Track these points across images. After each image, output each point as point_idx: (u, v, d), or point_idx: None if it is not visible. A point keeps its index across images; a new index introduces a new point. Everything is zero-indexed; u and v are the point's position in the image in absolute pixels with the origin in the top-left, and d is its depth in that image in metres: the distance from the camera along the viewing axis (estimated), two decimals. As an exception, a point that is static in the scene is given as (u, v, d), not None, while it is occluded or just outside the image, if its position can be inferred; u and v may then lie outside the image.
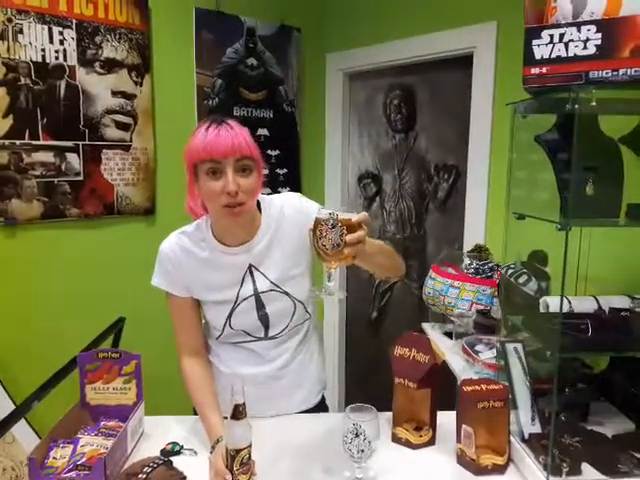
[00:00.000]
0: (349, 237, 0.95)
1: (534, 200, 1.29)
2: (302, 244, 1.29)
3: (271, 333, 1.33)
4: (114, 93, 2.19)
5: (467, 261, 2.10)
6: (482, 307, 1.87)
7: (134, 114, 2.25)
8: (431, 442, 1.27)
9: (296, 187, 2.84)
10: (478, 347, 1.74)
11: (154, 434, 1.32)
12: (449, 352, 1.87)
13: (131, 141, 2.26)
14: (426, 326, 2.17)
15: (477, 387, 1.21)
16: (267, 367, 1.35)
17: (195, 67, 2.42)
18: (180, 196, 1.32)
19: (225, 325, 1.30)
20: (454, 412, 1.22)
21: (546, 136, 1.21)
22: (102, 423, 1.28)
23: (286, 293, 1.30)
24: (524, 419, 1.21)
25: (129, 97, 2.23)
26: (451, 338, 2.02)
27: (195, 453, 1.24)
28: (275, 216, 1.30)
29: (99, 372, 1.31)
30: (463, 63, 2.32)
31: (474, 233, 2.30)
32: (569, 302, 1.27)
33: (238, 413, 1.06)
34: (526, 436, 1.19)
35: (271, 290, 1.29)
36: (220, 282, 1.28)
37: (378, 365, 2.90)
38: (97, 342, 1.70)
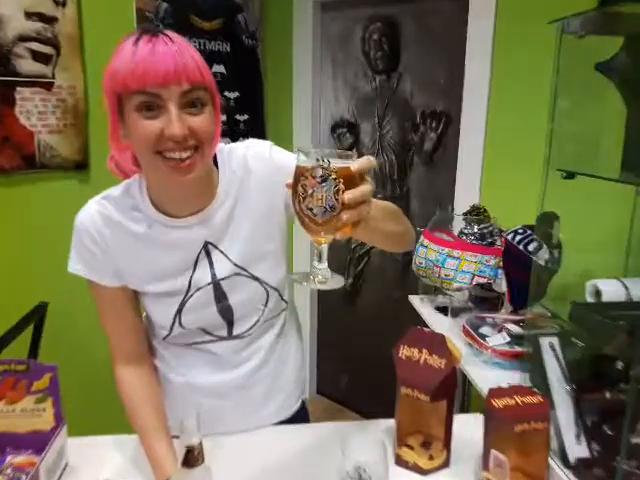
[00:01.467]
0: (348, 194, 0.62)
1: (585, 154, 0.98)
2: (276, 209, 0.96)
3: (237, 331, 1.00)
4: (28, 15, 1.73)
5: (462, 225, 1.80)
6: (485, 280, 1.59)
7: (56, 42, 1.80)
8: (445, 464, 1.00)
9: (258, 136, 2.43)
10: (484, 330, 1.47)
11: (82, 467, 0.99)
12: (445, 332, 1.59)
13: (54, 77, 1.81)
14: (414, 299, 1.89)
15: (511, 401, 0.92)
16: (233, 374, 1.03)
17: (133, -15, 1.96)
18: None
19: (174, 323, 0.97)
20: (465, 416, 0.93)
21: (615, 62, 0.88)
22: (8, 458, 0.95)
23: (255, 278, 0.97)
24: (568, 437, 0.94)
25: (48, 20, 1.77)
26: (445, 314, 1.74)
27: (137, 495, 0.92)
28: (238, 173, 0.95)
29: (0, 389, 0.96)
30: (459, -12, 1.96)
31: (468, 191, 2.00)
32: (625, 287, 0.99)
33: (192, 459, 0.75)
34: (572, 461, 0.93)
35: (235, 275, 0.95)
36: (164, 267, 0.94)
37: (353, 337, 2.64)
38: (11, 335, 1.34)
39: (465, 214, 1.80)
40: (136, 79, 0.76)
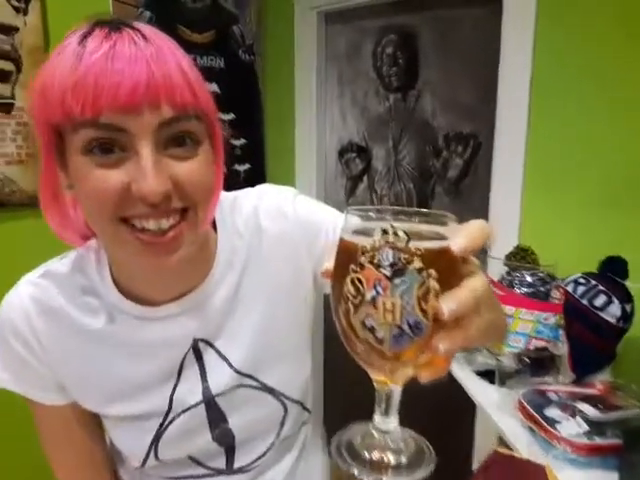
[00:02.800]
0: (451, 303, 0.33)
1: None
2: (300, 286, 0.67)
3: (239, 462, 0.70)
4: (-20, 23, 1.43)
5: (503, 270, 1.51)
6: (544, 343, 1.28)
7: (16, 57, 1.50)
8: None
9: (256, 164, 2.15)
10: (551, 411, 1.15)
11: None
12: (494, 408, 1.29)
13: (13, 97, 1.51)
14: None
15: None
16: None
17: (111, -9, 1.67)
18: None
19: (148, 455, 0.66)
20: None
21: None
22: None
23: (268, 389, 0.67)
24: None
25: (6, 31, 1.48)
26: (489, 380, 1.43)
27: None
28: (246, 236, 0.66)
29: None
30: (489, -7, 1.69)
31: (504, 228, 1.70)
32: None
33: None
34: None
35: (238, 386, 0.65)
36: (132, 380, 0.64)
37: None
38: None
39: (508, 257, 1.51)
40: (82, 101, 0.47)
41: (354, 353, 0.38)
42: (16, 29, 1.49)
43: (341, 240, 0.37)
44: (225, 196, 0.66)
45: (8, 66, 1.49)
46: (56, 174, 0.54)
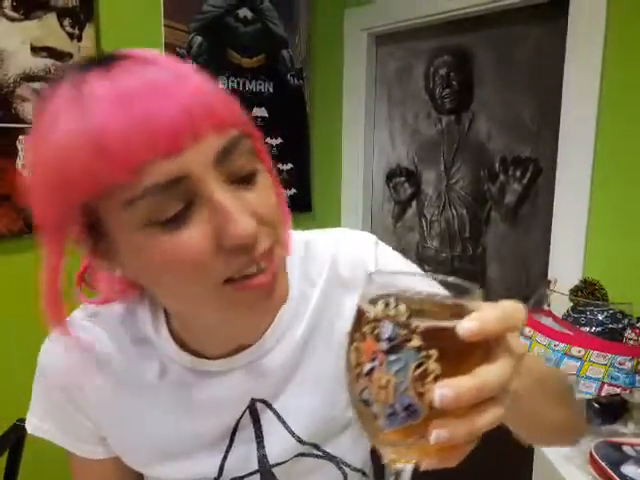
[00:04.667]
0: (446, 389, 0.29)
1: None
2: None
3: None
4: (36, 50, 1.45)
5: (567, 306, 1.39)
6: (619, 390, 1.16)
7: (69, 82, 1.52)
8: None
9: (302, 188, 2.11)
10: (628, 469, 1.03)
11: None
12: (558, 459, 1.16)
13: (65, 123, 1.53)
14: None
15: None
16: None
17: (163, 16, 1.68)
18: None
19: None
20: None
21: None
22: None
23: (331, 458, 0.59)
24: None
25: (60, 56, 1.50)
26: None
27: None
28: (319, 283, 0.58)
29: None
30: (551, 10, 1.61)
31: (567, 258, 1.58)
32: None
33: None
34: None
35: (300, 455, 0.58)
36: (179, 440, 0.57)
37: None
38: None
39: (573, 291, 1.39)
40: (117, 164, 0.38)
41: (360, 424, 0.35)
42: (70, 55, 1.51)
43: (357, 314, 0.34)
44: (294, 239, 0.57)
45: (61, 92, 1.50)
46: (93, 261, 0.47)
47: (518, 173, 1.78)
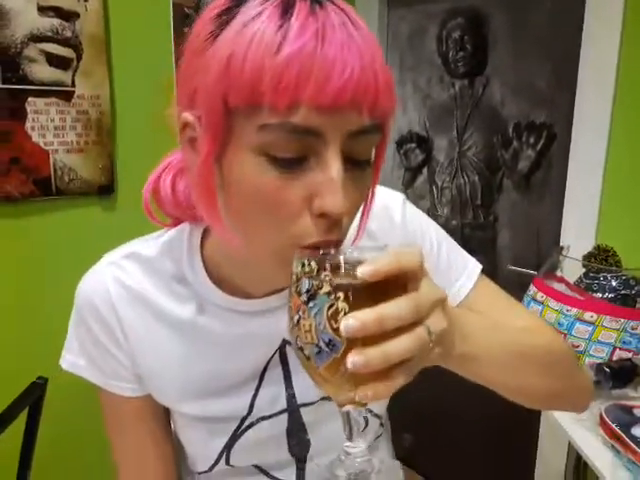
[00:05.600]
0: (349, 319, 0.35)
1: None
2: None
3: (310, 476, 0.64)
4: (43, 9, 1.43)
5: (580, 272, 1.38)
6: (630, 354, 1.16)
7: (76, 43, 1.49)
8: None
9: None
10: (638, 430, 1.04)
11: None
12: (567, 421, 1.18)
13: (74, 85, 1.51)
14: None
15: None
16: None
17: (170, -25, 1.64)
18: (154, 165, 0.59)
19: (218, 460, 0.61)
20: None
21: None
22: None
23: None
24: None
25: (67, 16, 1.47)
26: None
27: None
28: (353, 234, 0.59)
29: None
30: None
31: (580, 224, 1.57)
32: None
33: None
34: None
35: (325, 399, 0.60)
36: (213, 377, 0.58)
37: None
38: (9, 416, 1.02)
39: (587, 257, 1.38)
40: (281, 91, 0.39)
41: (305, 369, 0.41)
42: (77, 15, 1.48)
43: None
44: None
45: (69, 53, 1.48)
46: (212, 167, 0.44)
47: (532, 139, 1.75)
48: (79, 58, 1.50)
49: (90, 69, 1.52)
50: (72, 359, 0.60)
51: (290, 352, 0.59)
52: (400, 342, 0.35)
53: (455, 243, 0.69)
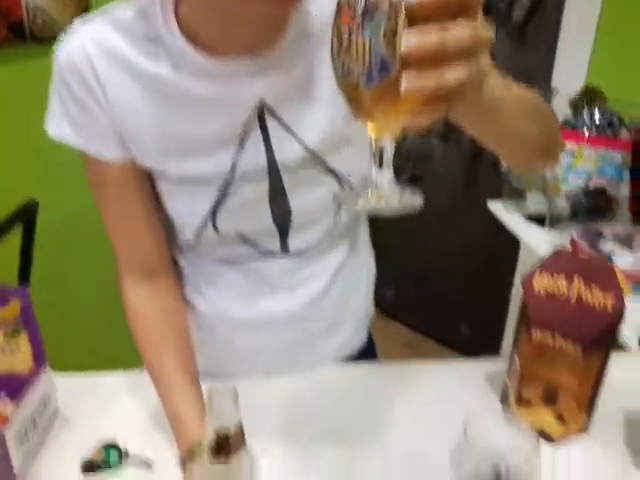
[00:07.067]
0: (411, 37, 0.32)
1: None
2: None
3: (293, 245, 0.69)
4: None
5: (567, 112, 1.39)
6: (605, 182, 1.20)
7: None
8: (582, 429, 0.69)
9: None
10: (606, 246, 1.11)
11: (75, 418, 0.72)
12: (541, 247, 1.25)
13: None
14: (495, 206, 1.52)
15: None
16: (284, 302, 0.73)
17: None
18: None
19: (205, 225, 0.65)
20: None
21: None
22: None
23: (332, 171, 0.64)
24: None
25: None
26: (541, 224, 1.37)
27: (149, 466, 0.65)
28: (327, 12, 0.58)
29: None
30: None
31: (571, 66, 1.56)
32: None
33: (225, 450, 0.46)
34: None
35: (304, 163, 0.63)
36: (194, 135, 0.60)
37: (407, 246, 2.30)
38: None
39: (574, 101, 1.38)
40: None
41: (346, 103, 0.39)
42: None
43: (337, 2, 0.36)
44: None
45: None
46: None
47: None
48: None
49: None
50: (55, 126, 0.61)
51: (270, 120, 0.60)
52: (455, 72, 0.33)
53: None
